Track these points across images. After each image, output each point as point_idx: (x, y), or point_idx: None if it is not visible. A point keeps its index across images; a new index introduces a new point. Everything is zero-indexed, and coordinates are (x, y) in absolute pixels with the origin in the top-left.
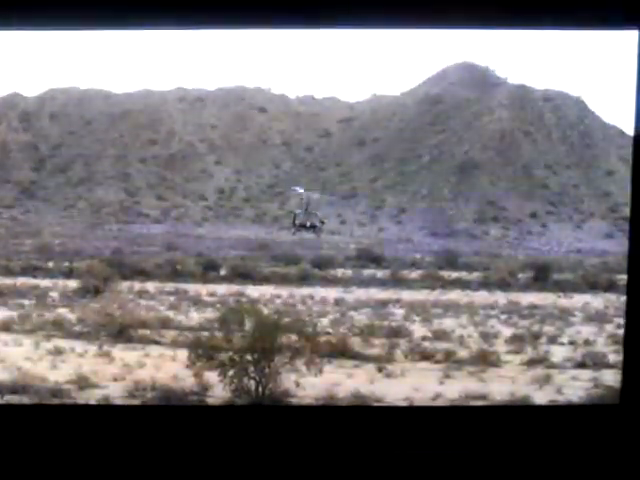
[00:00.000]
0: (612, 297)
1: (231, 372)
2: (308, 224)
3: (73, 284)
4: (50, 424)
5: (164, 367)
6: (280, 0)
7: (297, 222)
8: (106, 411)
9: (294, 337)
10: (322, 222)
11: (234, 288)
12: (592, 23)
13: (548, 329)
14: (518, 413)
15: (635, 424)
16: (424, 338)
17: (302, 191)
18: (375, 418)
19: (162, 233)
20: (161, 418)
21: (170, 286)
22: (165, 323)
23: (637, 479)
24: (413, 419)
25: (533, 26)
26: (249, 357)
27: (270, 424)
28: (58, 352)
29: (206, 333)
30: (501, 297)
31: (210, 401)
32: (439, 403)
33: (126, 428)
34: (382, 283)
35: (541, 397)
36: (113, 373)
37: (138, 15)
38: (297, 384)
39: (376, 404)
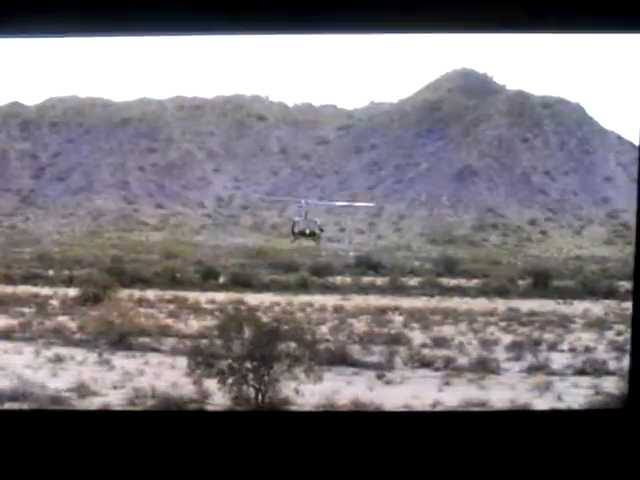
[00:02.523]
0: (612, 303)
1: (230, 380)
2: (307, 231)
3: (73, 292)
4: (49, 430)
5: (164, 375)
6: (278, 6)
7: (296, 230)
8: (104, 417)
9: (293, 345)
10: (321, 229)
11: (233, 296)
12: (596, 27)
13: (548, 336)
14: (520, 419)
15: (638, 429)
16: (423, 345)
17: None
18: (374, 424)
19: (161, 241)
20: (160, 424)
21: (169, 294)
22: (164, 331)
23: None
24: (413, 425)
25: (536, 30)
26: (248, 365)
27: (269, 430)
28: (58, 360)
29: (205, 341)
30: (500, 304)
31: (209, 409)
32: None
33: (125, 434)
34: (381, 290)
35: (541, 404)
36: (113, 381)
37: (136, 21)
38: (296, 392)
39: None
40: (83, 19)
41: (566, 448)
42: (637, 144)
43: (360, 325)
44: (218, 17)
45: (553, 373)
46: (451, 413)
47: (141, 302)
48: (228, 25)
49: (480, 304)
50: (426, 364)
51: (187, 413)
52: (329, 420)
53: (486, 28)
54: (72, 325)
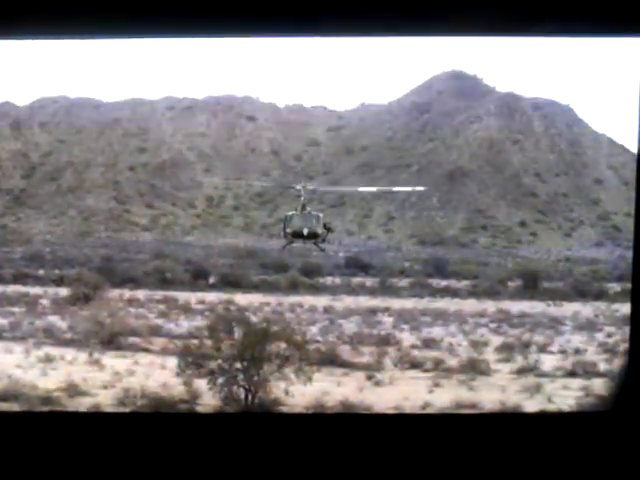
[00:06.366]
0: (602, 305)
1: (220, 380)
2: (305, 232)
3: (63, 292)
4: (39, 432)
5: (154, 375)
6: (269, 8)
7: (289, 229)
8: (95, 419)
9: (283, 345)
10: (329, 229)
11: (223, 296)
12: (590, 31)
13: (538, 338)
14: (509, 421)
15: (628, 431)
16: (413, 346)
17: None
18: (365, 426)
19: (151, 241)
20: (151, 426)
21: (159, 294)
22: (155, 331)
23: None
24: (403, 427)
25: (533, 33)
26: (238, 365)
27: (259, 432)
28: (48, 359)
29: (195, 341)
30: (490, 305)
31: (199, 409)
32: (429, 411)
33: (115, 436)
34: (371, 291)
35: (531, 406)
36: (103, 381)
37: (129, 23)
38: (286, 392)
39: (365, 412)
40: (76, 21)
41: (557, 450)
42: (627, 146)
43: (350, 326)
44: (210, 18)
45: (543, 375)
46: (441, 415)
47: (131, 302)
48: (221, 28)
49: (470, 305)
50: (416, 365)
51: (178, 415)
52: (319, 422)
53: (480, 32)
54: (62, 325)
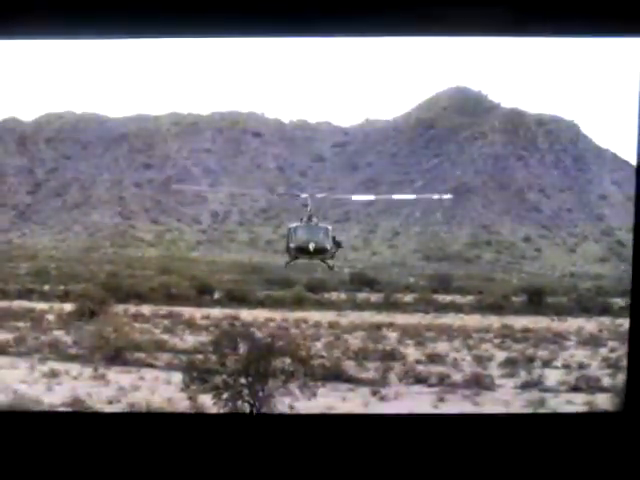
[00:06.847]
0: (606, 320)
1: (225, 395)
2: (312, 247)
3: (69, 307)
4: (40, 432)
5: (159, 390)
6: (269, 8)
7: (293, 244)
8: (95, 419)
9: (288, 360)
10: (338, 244)
11: (228, 312)
12: (593, 30)
13: (542, 353)
14: (520, 422)
15: (634, 433)
16: (418, 361)
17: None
18: (365, 427)
19: (157, 257)
20: (151, 426)
21: (165, 309)
22: (160, 346)
23: None
24: (411, 429)
25: (533, 33)
26: (243, 380)
27: (259, 432)
28: (53, 375)
29: (200, 356)
30: (495, 321)
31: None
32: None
33: (114, 436)
34: (376, 307)
35: None
36: (108, 396)
37: (128, 23)
38: (291, 408)
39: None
40: (77, 21)
41: (561, 451)
42: (632, 162)
43: (355, 341)
44: (211, 20)
45: (547, 390)
46: (452, 417)
47: (136, 317)
48: (221, 28)
49: (474, 321)
50: (421, 380)
51: (178, 415)
52: (320, 423)
53: (480, 32)
54: (68, 340)
